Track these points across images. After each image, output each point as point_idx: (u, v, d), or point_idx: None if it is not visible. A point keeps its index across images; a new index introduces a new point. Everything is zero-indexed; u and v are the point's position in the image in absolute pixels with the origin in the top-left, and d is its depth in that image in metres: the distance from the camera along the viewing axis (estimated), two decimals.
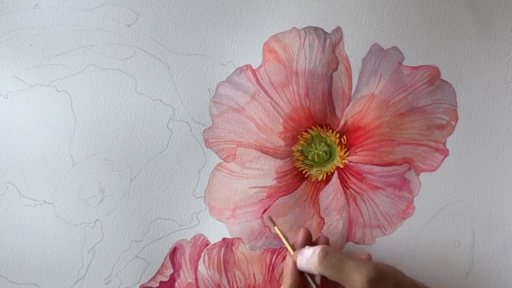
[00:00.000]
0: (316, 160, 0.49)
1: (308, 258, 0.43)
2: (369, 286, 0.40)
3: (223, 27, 0.48)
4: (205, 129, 0.49)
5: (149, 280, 0.48)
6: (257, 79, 0.48)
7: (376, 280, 0.40)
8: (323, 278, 0.44)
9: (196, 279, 0.49)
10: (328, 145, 0.49)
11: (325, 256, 0.42)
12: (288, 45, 0.48)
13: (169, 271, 0.49)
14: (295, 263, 0.44)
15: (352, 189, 0.49)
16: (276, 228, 0.47)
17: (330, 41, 0.48)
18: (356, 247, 0.50)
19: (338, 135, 0.49)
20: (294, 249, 0.45)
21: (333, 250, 0.42)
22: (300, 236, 0.46)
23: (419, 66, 0.49)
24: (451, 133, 0.49)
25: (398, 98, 0.49)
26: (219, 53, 0.48)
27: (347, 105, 0.49)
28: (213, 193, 0.49)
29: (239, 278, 0.49)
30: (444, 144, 0.49)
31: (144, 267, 0.48)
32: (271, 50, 0.48)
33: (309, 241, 0.46)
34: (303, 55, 0.48)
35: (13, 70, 0.47)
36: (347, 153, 0.49)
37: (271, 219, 0.48)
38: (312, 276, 0.44)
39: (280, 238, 0.47)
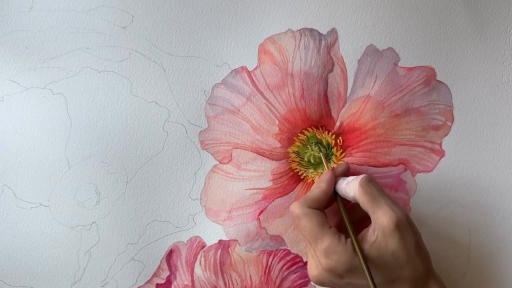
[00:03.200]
0: (312, 161, 0.49)
1: (350, 181, 0.43)
2: (396, 225, 0.40)
3: (219, 29, 0.48)
4: (201, 131, 0.49)
5: (146, 283, 0.48)
6: (252, 81, 0.48)
7: (405, 225, 0.40)
8: (351, 209, 0.45)
9: (193, 281, 0.49)
10: (324, 146, 0.49)
11: (367, 183, 0.42)
12: (284, 46, 0.48)
13: (166, 273, 0.49)
14: (333, 177, 0.45)
15: None
16: (321, 154, 0.48)
17: (325, 43, 0.48)
18: None
19: (334, 136, 0.49)
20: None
21: (375, 181, 0.43)
22: (340, 166, 0.46)
23: (415, 67, 0.49)
24: (447, 134, 0.49)
25: (394, 99, 0.49)
26: (214, 55, 0.48)
27: (343, 106, 0.49)
28: (209, 195, 0.49)
29: (235, 280, 0.49)
30: (440, 145, 0.49)
31: (140, 269, 0.48)
32: (267, 52, 0.48)
33: (347, 173, 0.46)
34: (299, 57, 0.48)
35: (9, 73, 0.47)
36: (343, 154, 0.49)
37: (317, 144, 0.48)
38: (345, 201, 0.44)
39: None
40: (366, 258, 0.40)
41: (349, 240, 0.41)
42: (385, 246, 0.40)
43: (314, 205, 0.43)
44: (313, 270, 0.42)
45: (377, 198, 0.42)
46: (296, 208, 0.43)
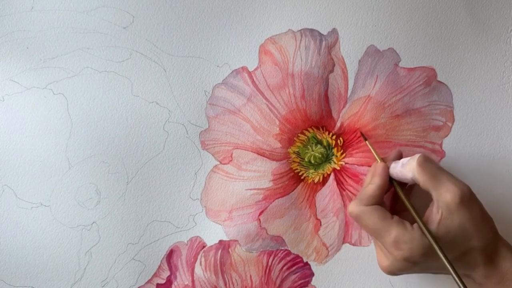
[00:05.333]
0: (312, 161, 0.49)
1: (405, 163, 0.42)
2: (460, 199, 0.40)
3: (219, 29, 0.48)
4: (202, 131, 0.49)
5: (146, 283, 0.48)
6: (253, 81, 0.48)
7: (468, 197, 0.40)
8: (410, 190, 0.44)
9: (193, 281, 0.49)
10: (324, 147, 0.49)
11: (424, 161, 0.41)
12: (284, 47, 0.48)
13: (166, 273, 0.49)
14: (386, 168, 0.44)
15: (349, 190, 0.49)
16: (367, 142, 0.47)
17: (326, 43, 0.48)
18: (353, 248, 0.50)
19: (334, 136, 0.49)
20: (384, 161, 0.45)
21: (432, 159, 0.42)
22: (392, 153, 0.45)
23: (416, 67, 0.49)
24: (447, 135, 0.49)
25: (395, 100, 0.49)
26: (215, 55, 0.48)
27: (343, 106, 0.49)
28: (209, 195, 0.49)
29: (235, 280, 0.49)
30: (441, 145, 0.49)
31: (140, 269, 0.48)
32: (267, 52, 0.48)
33: (400, 158, 0.45)
34: (299, 57, 0.48)
35: (9, 73, 0.48)
36: (344, 154, 0.49)
37: (362, 134, 0.47)
38: (401, 185, 0.44)
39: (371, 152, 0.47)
40: (436, 239, 0.40)
41: (415, 225, 0.41)
42: (451, 222, 0.40)
43: (371, 201, 0.42)
44: (384, 262, 0.42)
45: (437, 175, 0.41)
46: (353, 208, 0.43)
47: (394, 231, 0.41)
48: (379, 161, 0.45)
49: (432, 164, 0.42)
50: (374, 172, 0.44)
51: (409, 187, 0.46)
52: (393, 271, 0.42)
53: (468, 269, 0.42)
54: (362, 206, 0.42)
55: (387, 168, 0.44)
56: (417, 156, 0.42)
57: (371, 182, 0.43)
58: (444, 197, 0.40)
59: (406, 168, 0.42)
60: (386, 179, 0.43)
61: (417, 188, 0.44)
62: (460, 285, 0.38)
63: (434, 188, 0.41)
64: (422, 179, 0.41)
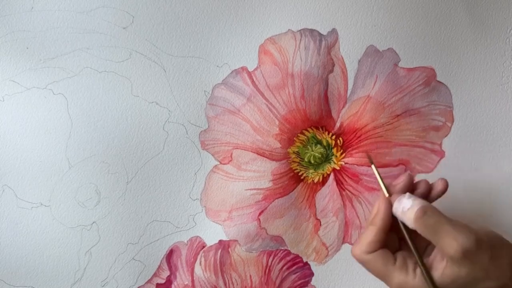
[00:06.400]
0: (312, 162, 0.49)
1: (405, 211, 0.40)
2: (463, 255, 0.38)
3: (219, 30, 0.48)
4: (201, 131, 0.49)
5: (146, 283, 0.48)
6: (252, 81, 0.48)
7: (472, 250, 0.38)
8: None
9: (193, 281, 0.49)
10: (324, 147, 0.49)
11: (422, 216, 0.39)
12: (284, 47, 0.48)
13: (166, 273, 0.49)
14: (389, 206, 0.41)
15: (348, 190, 0.49)
16: (373, 166, 0.44)
17: (325, 43, 0.48)
18: None
19: (334, 136, 0.49)
20: (390, 193, 0.42)
21: (432, 210, 0.40)
22: (400, 181, 0.43)
23: (415, 67, 0.49)
24: (447, 135, 0.49)
25: (394, 100, 0.49)
26: (215, 55, 0.48)
27: (343, 106, 0.49)
28: (209, 195, 0.49)
29: (235, 280, 0.49)
30: (440, 145, 0.49)
31: (140, 269, 0.48)
32: (267, 52, 0.48)
33: (409, 187, 0.43)
34: (299, 57, 0.48)
35: (9, 73, 0.48)
36: (343, 154, 0.49)
37: (369, 157, 0.45)
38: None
39: (376, 177, 0.44)
40: (440, 284, 0.39)
41: (418, 270, 0.40)
42: (458, 271, 0.38)
43: (373, 248, 0.41)
44: None
45: (437, 231, 0.39)
46: (356, 254, 0.42)
47: (396, 279, 0.40)
48: (386, 194, 0.42)
49: (431, 217, 0.40)
50: (378, 211, 0.42)
51: None
52: None
53: None
54: (364, 254, 0.41)
55: (390, 207, 0.42)
56: (415, 208, 0.40)
57: (372, 223, 0.42)
58: (446, 250, 0.38)
59: (406, 216, 0.40)
60: (388, 221, 0.42)
61: None
62: None
63: (436, 242, 0.39)
64: (422, 233, 0.40)
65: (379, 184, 0.43)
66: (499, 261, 0.39)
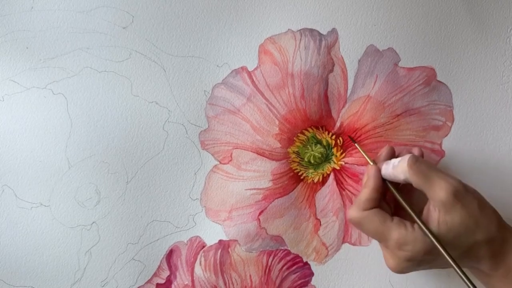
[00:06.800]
0: (312, 161, 0.49)
1: (396, 164, 0.43)
2: (454, 195, 0.40)
3: (219, 29, 0.48)
4: (201, 131, 0.49)
5: (146, 282, 0.48)
6: (252, 81, 0.48)
7: (462, 192, 0.40)
8: (403, 190, 0.45)
9: (193, 281, 0.49)
10: (324, 147, 0.49)
11: (415, 162, 0.41)
12: (284, 47, 0.48)
13: (166, 273, 0.49)
14: (378, 170, 0.44)
15: (348, 190, 0.49)
16: (356, 145, 0.47)
17: (325, 43, 0.48)
18: (353, 248, 0.50)
19: (334, 136, 0.49)
20: (375, 163, 0.45)
21: (422, 158, 0.42)
22: (382, 152, 0.45)
23: (415, 67, 0.49)
24: (447, 134, 0.49)
25: (394, 100, 0.49)
26: (214, 55, 0.48)
27: (343, 106, 0.49)
28: (209, 195, 0.49)
29: (235, 280, 0.49)
30: (440, 145, 0.49)
31: (140, 269, 0.48)
32: (267, 52, 0.48)
33: (392, 156, 0.45)
34: (299, 57, 0.48)
35: (9, 73, 0.48)
36: (343, 154, 0.49)
37: (350, 138, 0.48)
38: (394, 185, 0.44)
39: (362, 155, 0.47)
40: (438, 238, 0.40)
41: (416, 225, 0.41)
42: (451, 219, 0.40)
43: (369, 205, 0.43)
44: (390, 262, 0.43)
45: (428, 175, 0.41)
46: (353, 214, 0.43)
47: (395, 233, 0.41)
48: (370, 163, 0.45)
49: (422, 164, 0.42)
50: (367, 175, 0.44)
51: (409, 185, 0.46)
52: (401, 271, 0.43)
53: (474, 262, 0.42)
54: (361, 211, 0.43)
55: (378, 170, 0.44)
56: (407, 157, 0.42)
57: (365, 186, 0.44)
58: (438, 195, 0.40)
59: (398, 170, 0.42)
60: (379, 181, 0.44)
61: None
62: (467, 283, 0.38)
63: (427, 188, 0.41)
64: (414, 180, 0.41)
65: (364, 158, 0.46)
66: (486, 210, 0.41)
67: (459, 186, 0.40)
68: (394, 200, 0.46)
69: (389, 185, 0.44)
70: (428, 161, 0.42)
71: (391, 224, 0.41)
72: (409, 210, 0.42)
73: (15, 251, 0.48)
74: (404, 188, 0.45)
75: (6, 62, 0.47)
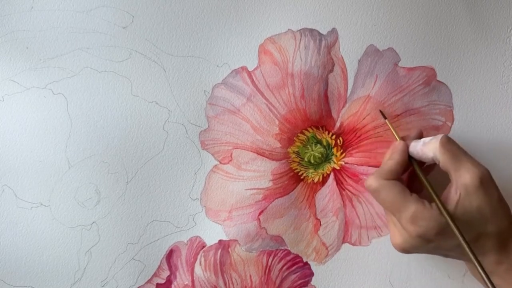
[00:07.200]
0: (312, 161, 0.49)
1: (427, 141, 0.43)
2: (480, 181, 0.40)
3: (219, 29, 0.48)
4: (201, 131, 0.49)
5: (146, 282, 0.48)
6: (252, 81, 0.48)
7: (488, 179, 0.41)
8: (428, 172, 0.45)
9: (193, 281, 0.49)
10: (324, 147, 0.49)
11: (448, 141, 0.42)
12: (284, 47, 0.48)
13: (166, 273, 0.49)
14: (405, 146, 0.44)
15: (348, 190, 0.49)
16: (387, 121, 0.47)
17: (325, 43, 0.48)
18: (353, 248, 0.50)
19: (334, 136, 0.49)
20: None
21: (454, 140, 0.43)
22: (413, 132, 0.46)
23: (415, 67, 0.49)
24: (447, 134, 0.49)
25: (394, 100, 0.49)
26: (214, 55, 0.48)
27: (343, 106, 0.49)
28: (209, 195, 0.49)
29: (235, 280, 0.49)
30: None
31: (140, 269, 0.48)
32: (267, 52, 0.48)
33: (421, 137, 0.45)
34: (299, 57, 0.48)
35: (9, 73, 0.48)
36: (343, 154, 0.49)
37: (381, 112, 0.48)
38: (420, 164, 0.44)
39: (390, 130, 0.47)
40: (454, 219, 0.40)
41: (433, 204, 0.41)
42: (469, 203, 0.40)
43: (390, 176, 0.43)
44: (397, 238, 0.43)
45: (458, 156, 0.41)
46: (372, 182, 0.43)
47: (413, 207, 0.41)
48: (398, 139, 0.45)
49: (454, 145, 0.42)
50: (394, 150, 0.44)
51: (427, 168, 0.46)
52: (406, 248, 0.42)
53: (479, 253, 0.41)
54: (381, 180, 0.42)
55: (406, 146, 0.44)
56: (440, 136, 0.42)
57: (390, 158, 0.44)
58: (463, 177, 0.40)
59: (428, 147, 0.42)
60: (405, 156, 0.44)
61: (435, 171, 0.45)
62: (477, 264, 0.38)
63: (454, 169, 0.41)
64: (443, 159, 0.41)
65: (393, 135, 0.46)
66: (503, 203, 0.42)
67: (486, 172, 0.41)
68: (410, 180, 0.46)
69: (414, 162, 0.44)
70: (459, 145, 0.43)
71: (410, 197, 0.41)
72: (429, 187, 0.42)
73: (15, 251, 0.48)
74: (425, 170, 0.45)
75: (6, 62, 0.47)
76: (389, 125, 0.47)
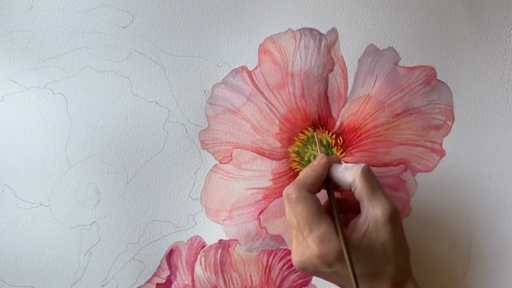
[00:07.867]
0: (312, 161, 0.49)
1: (349, 167, 0.42)
2: (390, 217, 0.40)
3: (219, 29, 0.48)
4: (201, 131, 0.49)
5: (146, 282, 0.48)
6: (252, 81, 0.48)
7: (397, 217, 0.41)
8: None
9: (193, 281, 0.49)
10: (324, 146, 0.49)
11: (369, 171, 0.42)
12: (284, 46, 0.48)
13: (166, 273, 0.49)
14: (329, 163, 0.43)
15: None
16: (315, 134, 0.47)
17: (325, 42, 0.48)
18: None
19: (334, 136, 0.49)
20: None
21: (373, 172, 0.43)
22: (333, 158, 0.45)
23: (415, 66, 0.49)
24: (447, 134, 0.49)
25: (394, 99, 0.49)
26: (214, 55, 0.48)
27: (343, 106, 0.49)
28: (209, 194, 0.49)
29: (235, 279, 0.49)
30: (441, 144, 0.49)
31: (140, 269, 0.48)
32: (267, 51, 0.48)
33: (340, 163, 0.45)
34: (299, 56, 0.48)
35: (9, 73, 0.48)
36: (343, 154, 0.49)
37: (313, 124, 0.48)
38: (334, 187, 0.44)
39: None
40: (356, 248, 0.40)
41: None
42: (375, 236, 0.40)
43: (312, 189, 0.42)
44: (298, 256, 0.41)
45: (375, 188, 0.41)
46: (293, 191, 0.42)
47: (325, 226, 0.40)
48: (320, 154, 0.45)
49: (374, 177, 0.42)
50: (318, 162, 0.44)
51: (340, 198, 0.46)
52: (306, 267, 0.41)
53: None
54: (304, 191, 0.41)
55: (329, 163, 0.44)
56: (363, 164, 0.42)
57: (313, 170, 0.43)
58: (375, 210, 0.40)
59: (350, 172, 0.42)
60: (326, 172, 0.43)
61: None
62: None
63: (368, 199, 0.41)
64: (361, 187, 0.41)
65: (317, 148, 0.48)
66: (405, 245, 0.42)
67: (396, 210, 0.41)
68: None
69: (329, 184, 0.44)
70: (377, 178, 0.43)
71: (324, 217, 0.41)
72: (335, 213, 0.41)
73: (15, 251, 0.48)
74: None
75: (6, 62, 0.47)
76: (316, 140, 0.47)
